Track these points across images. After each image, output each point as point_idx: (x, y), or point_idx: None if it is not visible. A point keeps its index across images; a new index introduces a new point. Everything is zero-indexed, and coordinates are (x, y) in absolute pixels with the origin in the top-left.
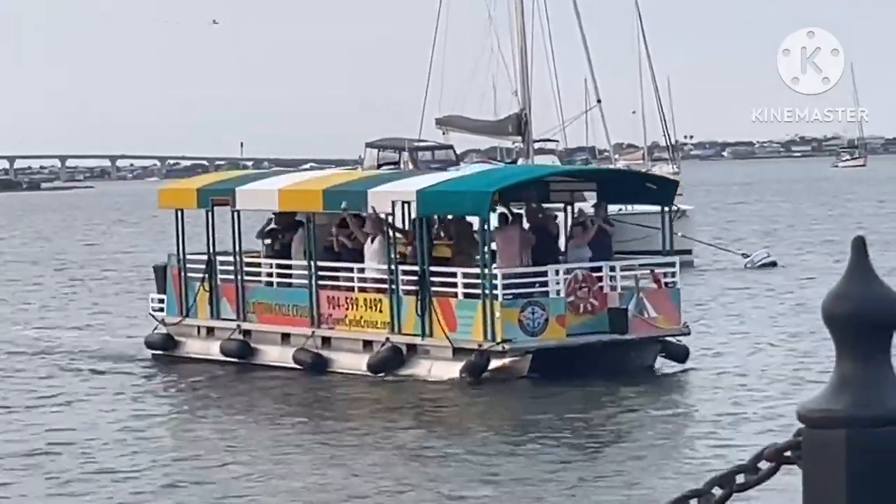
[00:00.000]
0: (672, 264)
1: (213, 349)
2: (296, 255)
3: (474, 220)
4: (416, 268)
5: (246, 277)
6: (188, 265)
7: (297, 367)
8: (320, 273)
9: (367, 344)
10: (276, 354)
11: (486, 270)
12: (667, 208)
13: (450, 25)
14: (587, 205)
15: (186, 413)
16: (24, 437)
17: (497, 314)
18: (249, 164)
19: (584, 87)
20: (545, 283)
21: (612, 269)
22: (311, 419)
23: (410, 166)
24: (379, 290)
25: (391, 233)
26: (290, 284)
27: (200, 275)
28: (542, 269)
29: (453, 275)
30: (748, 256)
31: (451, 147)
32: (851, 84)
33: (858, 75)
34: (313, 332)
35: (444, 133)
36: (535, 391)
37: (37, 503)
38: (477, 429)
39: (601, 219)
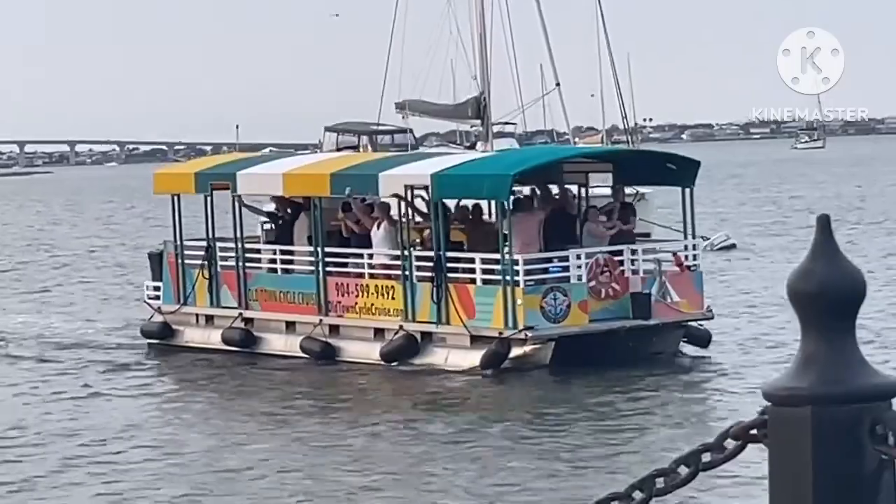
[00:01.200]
0: (695, 246)
1: (213, 338)
2: (298, 240)
3: (482, 203)
4: (430, 253)
5: (248, 264)
6: (185, 251)
7: (305, 356)
8: (328, 259)
9: (379, 332)
10: (280, 343)
11: (507, 256)
12: (688, 189)
13: (409, 9)
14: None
15: (188, 404)
16: (14, 428)
17: (519, 301)
18: (208, 148)
19: (541, 71)
20: (563, 269)
21: (634, 252)
22: (322, 409)
23: (369, 149)
24: (391, 277)
25: (411, 216)
26: (292, 271)
27: (198, 262)
28: (563, 253)
29: (471, 260)
30: (707, 239)
31: (410, 131)
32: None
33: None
34: (321, 320)
35: (403, 117)
36: (556, 380)
37: (30, 494)
38: (497, 419)
39: (619, 204)
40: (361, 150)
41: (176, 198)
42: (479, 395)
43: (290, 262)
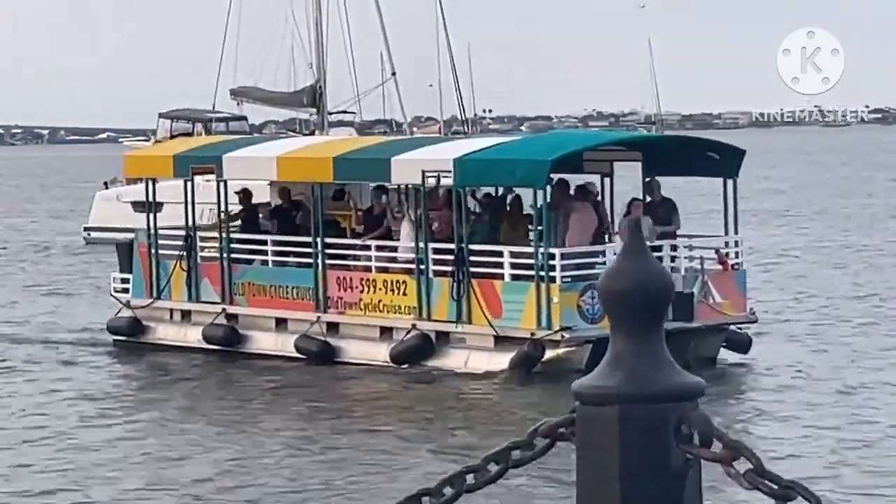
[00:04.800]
0: (737, 243)
1: (190, 335)
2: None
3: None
4: (451, 245)
5: (233, 255)
6: (160, 241)
7: (299, 356)
8: (328, 252)
9: (386, 331)
10: (270, 342)
11: (542, 249)
12: (731, 181)
13: None
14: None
15: (163, 409)
16: None
17: (555, 299)
18: (45, 132)
19: (381, 60)
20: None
21: (675, 248)
22: (321, 415)
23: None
24: (403, 271)
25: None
26: (284, 263)
27: (175, 252)
28: (602, 248)
29: (497, 254)
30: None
31: (244, 118)
32: (650, 61)
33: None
34: (318, 318)
35: (238, 104)
36: None
37: None
38: (525, 429)
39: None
40: (196, 137)
41: (151, 182)
42: (504, 401)
43: (287, 254)
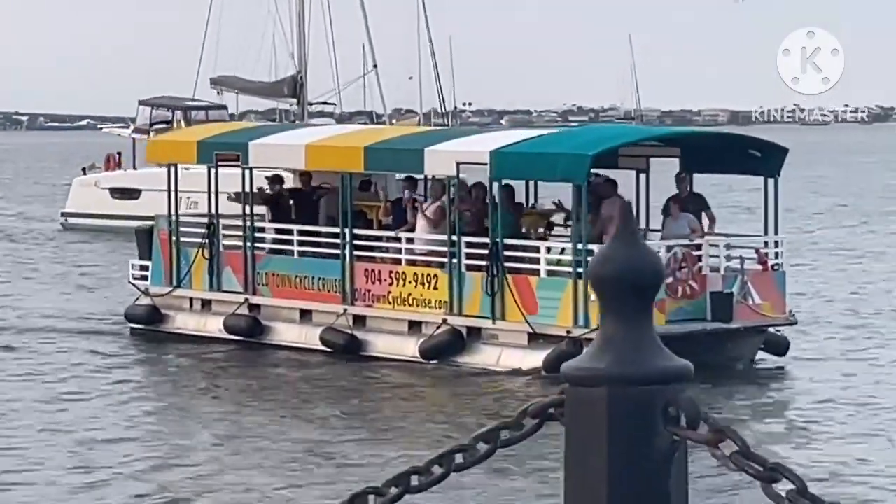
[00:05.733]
0: (777, 243)
1: (210, 325)
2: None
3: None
4: (485, 240)
5: (257, 245)
6: (181, 228)
7: (325, 348)
8: (356, 243)
9: (415, 325)
10: (294, 334)
11: (581, 245)
12: (772, 180)
13: None
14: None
15: (184, 401)
16: None
17: (593, 296)
18: (24, 118)
19: (363, 52)
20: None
21: (715, 245)
22: (347, 412)
23: (184, 126)
24: (434, 265)
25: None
26: (309, 253)
27: (196, 240)
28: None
29: (534, 249)
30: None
31: (224, 107)
32: (630, 57)
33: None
34: (345, 310)
35: (218, 93)
36: None
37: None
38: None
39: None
40: (175, 125)
41: (173, 168)
42: (538, 398)
43: (311, 244)
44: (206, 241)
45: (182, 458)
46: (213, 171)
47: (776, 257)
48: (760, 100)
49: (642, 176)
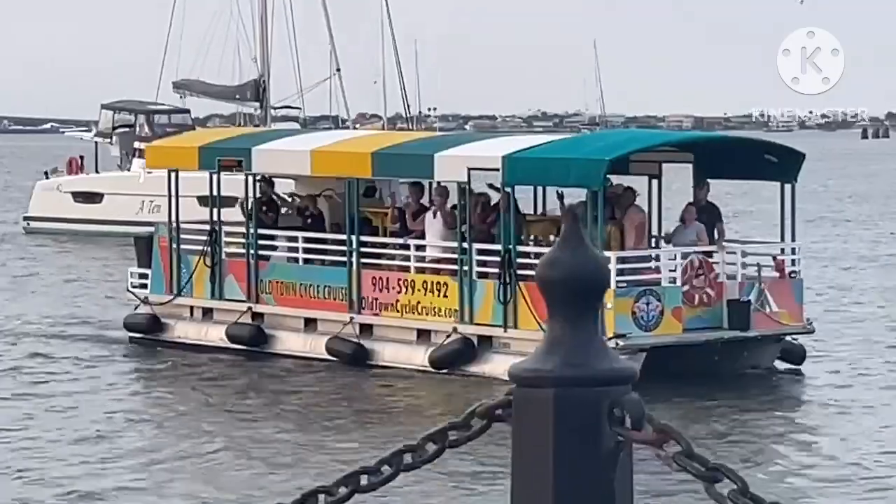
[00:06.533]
0: (794, 250)
1: (212, 334)
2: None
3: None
4: (496, 247)
5: (261, 252)
6: (181, 236)
7: (331, 357)
8: (363, 250)
9: (423, 334)
10: (298, 343)
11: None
12: (789, 185)
13: None
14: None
15: (185, 411)
16: None
17: (609, 304)
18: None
19: (330, 56)
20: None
21: (732, 252)
22: (354, 422)
23: (146, 129)
24: (444, 272)
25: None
26: (313, 261)
27: (197, 247)
28: (656, 251)
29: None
30: None
31: (187, 111)
32: (595, 63)
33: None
34: (352, 318)
35: (181, 97)
36: (643, 397)
37: None
38: None
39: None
40: (138, 129)
41: (173, 174)
42: None
43: (317, 252)
44: (209, 248)
45: (182, 469)
46: (214, 177)
47: (793, 264)
48: (724, 105)
49: (654, 182)
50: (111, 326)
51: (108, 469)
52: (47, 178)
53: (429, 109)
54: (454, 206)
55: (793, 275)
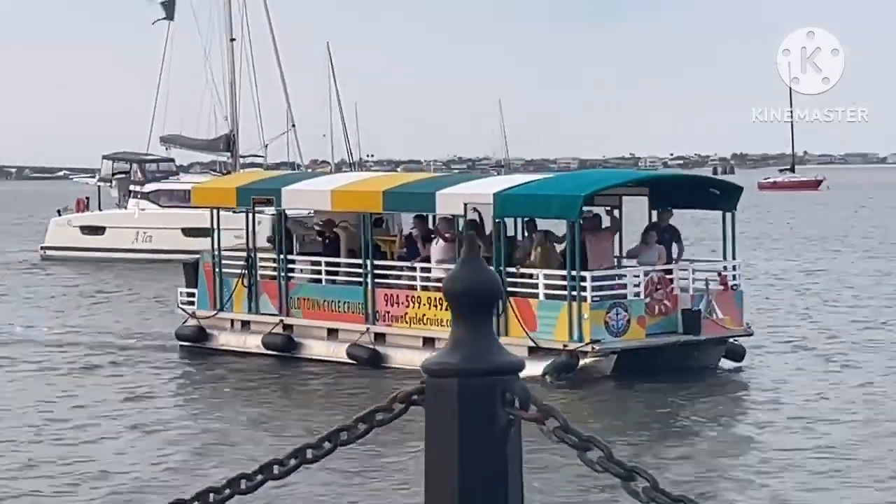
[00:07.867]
0: (735, 267)
1: (249, 342)
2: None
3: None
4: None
5: (289, 275)
6: (223, 261)
7: (350, 361)
8: (376, 272)
9: (428, 341)
10: (323, 349)
11: (574, 272)
12: (730, 214)
13: (173, 59)
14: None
15: (230, 404)
16: (55, 431)
17: (585, 315)
18: (13, 170)
19: (287, 114)
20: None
21: (685, 270)
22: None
23: (139, 175)
24: (437, 290)
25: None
26: (336, 282)
27: (236, 271)
28: (623, 271)
29: (529, 276)
30: None
31: (172, 160)
32: (500, 117)
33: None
34: (368, 328)
35: (166, 149)
36: (617, 391)
37: (66, 497)
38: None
39: (665, 226)
40: (132, 175)
41: (215, 211)
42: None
43: (337, 273)
44: (245, 271)
45: (225, 454)
46: (251, 214)
47: (734, 279)
48: (602, 149)
49: (616, 211)
50: (161, 337)
51: (163, 456)
52: (60, 215)
53: (367, 156)
54: (456, 235)
55: (734, 287)
